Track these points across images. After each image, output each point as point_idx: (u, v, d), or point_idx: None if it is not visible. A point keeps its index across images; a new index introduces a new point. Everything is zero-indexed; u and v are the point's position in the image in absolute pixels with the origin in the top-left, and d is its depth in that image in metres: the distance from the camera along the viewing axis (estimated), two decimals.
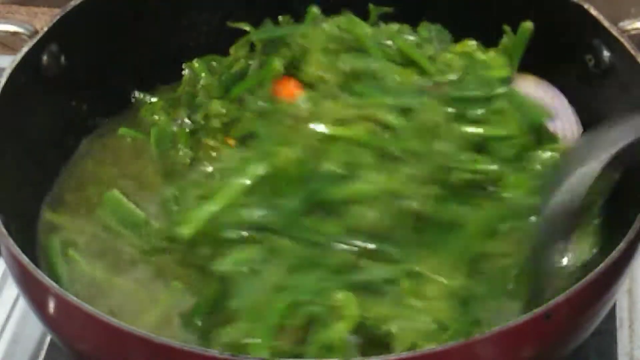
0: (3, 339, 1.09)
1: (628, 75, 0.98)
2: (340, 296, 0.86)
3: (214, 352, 0.80)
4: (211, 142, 1.05)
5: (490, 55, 1.04)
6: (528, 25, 1.05)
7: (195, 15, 1.16)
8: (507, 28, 1.06)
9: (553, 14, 1.06)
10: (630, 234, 0.84)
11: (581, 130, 1.06)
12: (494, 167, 0.94)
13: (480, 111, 0.96)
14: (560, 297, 0.79)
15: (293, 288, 0.87)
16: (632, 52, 0.97)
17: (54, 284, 0.82)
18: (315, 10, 1.10)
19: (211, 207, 0.91)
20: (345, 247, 0.90)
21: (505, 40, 1.06)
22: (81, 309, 0.80)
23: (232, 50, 1.13)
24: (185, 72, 1.14)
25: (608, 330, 1.06)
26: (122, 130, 1.12)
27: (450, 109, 0.96)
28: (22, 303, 1.07)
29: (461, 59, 1.02)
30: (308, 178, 0.92)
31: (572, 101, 1.07)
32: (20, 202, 0.98)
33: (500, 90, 0.98)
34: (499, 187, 0.95)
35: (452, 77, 1.00)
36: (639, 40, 0.99)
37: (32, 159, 1.03)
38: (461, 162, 0.93)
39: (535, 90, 1.06)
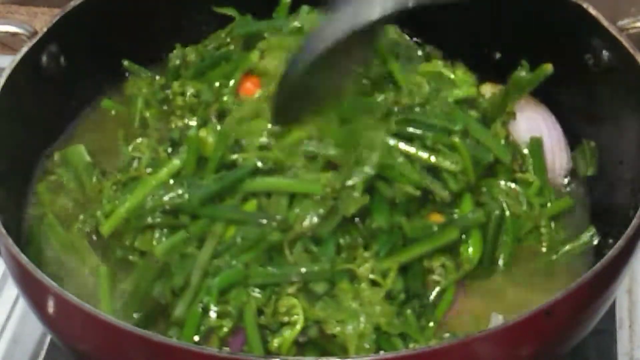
0: (3, 339, 1.09)
1: (627, 74, 0.98)
2: (286, 302, 0.88)
3: (213, 350, 0.80)
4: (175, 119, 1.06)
5: (458, 74, 1.04)
6: (548, 67, 1.03)
7: (195, 15, 1.16)
8: (524, 63, 1.04)
9: (552, 14, 1.06)
10: (629, 232, 0.84)
11: (570, 165, 1.06)
12: (426, 182, 0.94)
13: (430, 138, 0.96)
14: (559, 295, 0.79)
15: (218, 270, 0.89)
16: (631, 51, 0.97)
17: (54, 284, 0.82)
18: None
19: (128, 204, 0.94)
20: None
21: (519, 72, 1.05)
22: (81, 309, 0.80)
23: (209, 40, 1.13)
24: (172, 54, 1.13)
25: (608, 330, 1.06)
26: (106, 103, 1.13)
27: (394, 127, 0.96)
28: (22, 303, 1.07)
29: (429, 79, 1.02)
30: (229, 166, 0.95)
31: (571, 100, 1.07)
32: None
33: (458, 127, 0.96)
34: (454, 209, 0.97)
35: (418, 100, 0.99)
36: (638, 39, 0.99)
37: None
38: (395, 175, 0.93)
39: (533, 116, 1.06)
